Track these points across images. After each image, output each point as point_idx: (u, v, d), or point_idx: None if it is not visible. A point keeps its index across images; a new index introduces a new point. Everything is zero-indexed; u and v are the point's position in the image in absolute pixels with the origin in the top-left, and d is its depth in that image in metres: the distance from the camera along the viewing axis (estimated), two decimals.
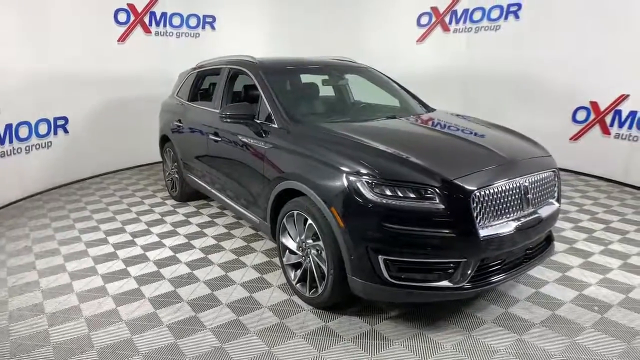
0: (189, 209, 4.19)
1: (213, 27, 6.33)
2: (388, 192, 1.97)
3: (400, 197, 1.96)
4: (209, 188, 3.69)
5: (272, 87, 2.91)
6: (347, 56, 3.96)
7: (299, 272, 2.50)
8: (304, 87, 3.55)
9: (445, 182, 1.95)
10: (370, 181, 2.00)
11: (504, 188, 2.06)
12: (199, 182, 3.85)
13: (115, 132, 5.57)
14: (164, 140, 4.54)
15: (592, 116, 5.04)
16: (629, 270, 2.81)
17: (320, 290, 2.31)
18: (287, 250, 2.57)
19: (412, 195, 1.95)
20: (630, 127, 4.64)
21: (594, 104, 5.00)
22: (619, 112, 4.76)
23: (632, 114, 4.61)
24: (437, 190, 1.93)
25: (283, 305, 2.47)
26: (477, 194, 1.97)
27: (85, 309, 2.45)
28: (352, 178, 2.05)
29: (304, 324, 2.28)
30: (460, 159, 2.20)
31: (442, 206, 1.92)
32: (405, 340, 2.12)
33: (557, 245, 3.15)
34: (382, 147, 2.22)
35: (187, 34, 6.15)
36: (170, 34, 6.00)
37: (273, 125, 2.71)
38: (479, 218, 1.97)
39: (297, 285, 2.51)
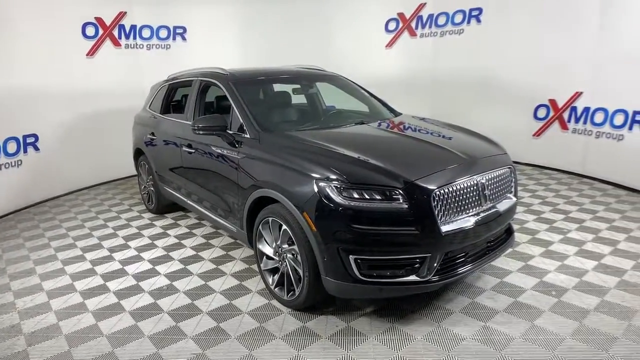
0: (166, 221, 4.19)
1: (184, 38, 6.34)
2: (355, 195, 2.09)
3: (367, 199, 2.08)
4: (185, 200, 3.71)
5: (242, 97, 2.99)
6: (318, 64, 4.07)
7: (276, 276, 2.59)
8: (274, 97, 3.65)
9: (407, 183, 2.09)
10: (338, 186, 2.11)
11: (462, 186, 2.21)
12: (176, 194, 3.87)
13: (88, 147, 5.51)
14: (138, 153, 4.53)
15: (552, 113, 5.34)
16: (584, 256, 3.03)
17: (297, 293, 2.40)
18: (265, 256, 2.65)
19: (378, 197, 2.08)
20: (585, 122, 4.96)
21: (553, 102, 5.31)
22: (574, 109, 5.08)
23: (586, 109, 4.93)
24: (401, 191, 2.06)
25: (262, 309, 2.54)
26: (438, 192, 2.11)
27: (64, 327, 2.45)
28: (321, 184, 2.15)
29: (283, 326, 2.36)
30: (421, 161, 2.35)
31: (406, 206, 2.05)
32: (380, 335, 2.24)
33: (521, 237, 3.36)
34: (349, 153, 2.34)
35: (157, 46, 6.14)
36: (141, 46, 5.98)
37: (245, 136, 2.78)
38: (440, 215, 2.11)
39: (276, 289, 2.59)
